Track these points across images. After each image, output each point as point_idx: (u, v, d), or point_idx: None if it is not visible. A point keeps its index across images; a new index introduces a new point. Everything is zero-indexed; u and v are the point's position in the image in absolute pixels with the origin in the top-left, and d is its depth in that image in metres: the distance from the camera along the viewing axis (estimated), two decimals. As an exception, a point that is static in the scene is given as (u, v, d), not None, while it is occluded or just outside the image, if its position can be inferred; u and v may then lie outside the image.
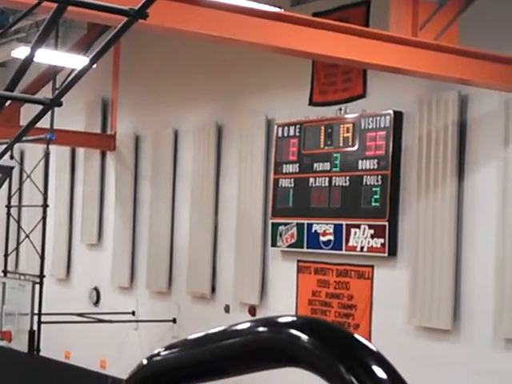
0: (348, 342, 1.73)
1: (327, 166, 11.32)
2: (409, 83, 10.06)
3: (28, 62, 4.85)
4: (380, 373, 1.50)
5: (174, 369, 1.97)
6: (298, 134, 11.75)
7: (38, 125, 6.11)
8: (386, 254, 10.58)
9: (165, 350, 1.98)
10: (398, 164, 10.57)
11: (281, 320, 1.85)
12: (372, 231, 10.67)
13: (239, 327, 1.94)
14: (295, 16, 7.70)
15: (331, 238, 11.19)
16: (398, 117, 10.59)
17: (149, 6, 4.18)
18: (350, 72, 11.26)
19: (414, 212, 10.39)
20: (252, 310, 12.52)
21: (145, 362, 1.95)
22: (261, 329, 1.86)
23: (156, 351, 1.97)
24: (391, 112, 10.58)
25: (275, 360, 1.90)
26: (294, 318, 1.86)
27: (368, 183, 10.76)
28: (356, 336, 1.68)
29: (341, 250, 11.09)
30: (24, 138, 9.63)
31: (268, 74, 12.37)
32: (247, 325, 1.95)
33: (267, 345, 1.88)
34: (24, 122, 14.27)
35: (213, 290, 13.25)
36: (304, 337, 1.73)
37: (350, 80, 11.36)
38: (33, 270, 14.69)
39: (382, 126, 10.65)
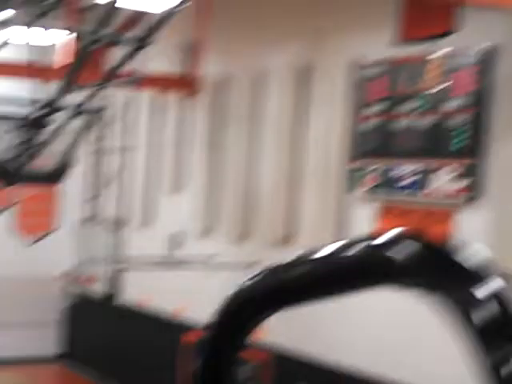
0: (454, 259, 1.69)
1: (412, 106, 11.06)
2: (502, 17, 9.65)
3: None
4: (496, 283, 1.57)
5: (274, 291, 1.91)
6: (382, 74, 11.50)
7: (125, 68, 6.09)
8: (471, 197, 10.34)
9: (263, 272, 1.92)
10: (487, 102, 10.23)
11: (382, 238, 1.77)
12: (457, 173, 10.43)
13: (341, 245, 1.87)
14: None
15: (414, 179, 10.99)
16: (489, 53, 10.19)
17: None
18: (439, 7, 10.88)
19: (502, 153, 10.09)
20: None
21: (244, 283, 1.90)
22: (361, 246, 1.80)
23: (253, 274, 1.92)
24: (482, 48, 10.19)
25: (376, 280, 1.83)
26: (398, 233, 1.78)
27: (455, 123, 10.48)
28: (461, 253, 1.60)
29: (424, 192, 10.89)
30: (111, 82, 9.65)
31: (353, 12, 12.08)
32: (348, 242, 1.88)
33: (369, 262, 1.81)
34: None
35: (292, 234, 13.24)
36: (407, 254, 1.69)
37: (439, 16, 10.98)
38: (116, 215, 14.89)
39: (473, 62, 10.30)
